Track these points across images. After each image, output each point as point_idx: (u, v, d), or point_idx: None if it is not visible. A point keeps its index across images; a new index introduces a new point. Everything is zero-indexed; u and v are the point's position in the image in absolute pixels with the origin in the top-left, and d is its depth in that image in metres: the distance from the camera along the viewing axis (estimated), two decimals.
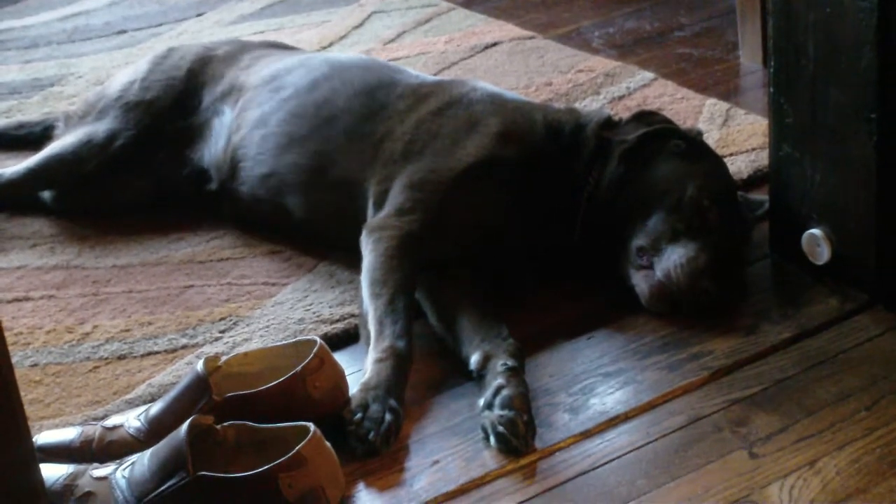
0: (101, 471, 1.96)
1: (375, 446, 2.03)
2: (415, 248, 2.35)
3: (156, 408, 2.08)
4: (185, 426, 1.90)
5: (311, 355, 2.06)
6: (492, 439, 2.04)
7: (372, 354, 2.16)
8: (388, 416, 2.05)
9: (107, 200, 2.90)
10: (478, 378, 2.17)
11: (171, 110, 2.86)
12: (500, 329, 2.24)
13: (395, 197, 2.42)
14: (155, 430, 2.04)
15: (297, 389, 2.04)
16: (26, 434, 1.76)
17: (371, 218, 2.44)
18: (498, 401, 2.07)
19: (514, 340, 2.21)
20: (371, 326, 2.21)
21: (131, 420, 2.08)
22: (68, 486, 1.95)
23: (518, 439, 2.03)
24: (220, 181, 2.75)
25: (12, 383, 1.71)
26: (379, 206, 2.45)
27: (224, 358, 2.12)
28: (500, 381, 2.11)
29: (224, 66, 2.89)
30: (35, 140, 3.12)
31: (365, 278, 2.31)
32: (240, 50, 2.94)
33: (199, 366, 2.06)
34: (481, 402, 2.11)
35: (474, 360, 2.20)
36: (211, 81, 2.86)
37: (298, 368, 2.04)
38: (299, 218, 2.62)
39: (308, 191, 2.59)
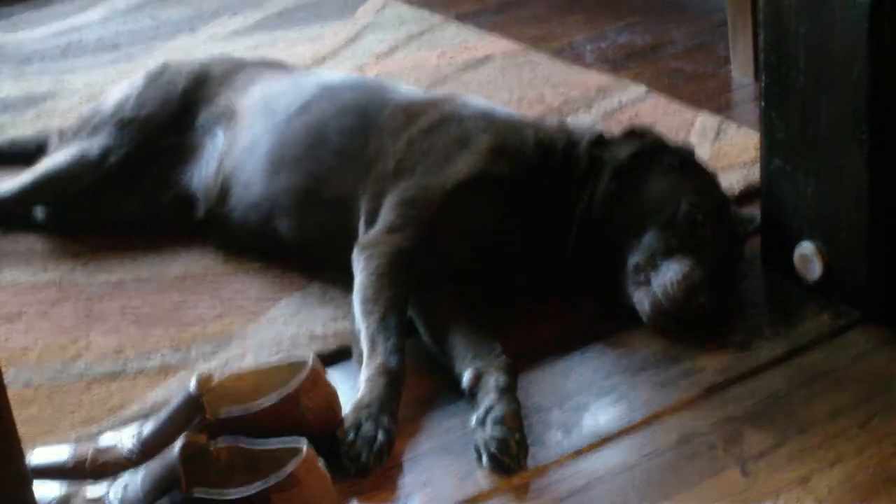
0: (94, 491, 1.96)
1: (368, 466, 2.03)
2: (406, 265, 2.35)
3: (149, 427, 2.08)
4: (178, 445, 1.90)
5: (305, 376, 2.05)
6: (484, 458, 2.04)
7: (364, 372, 2.16)
8: (380, 436, 2.05)
9: (99, 218, 2.89)
10: (470, 396, 2.18)
11: (165, 127, 2.84)
12: (492, 346, 2.24)
13: (387, 214, 2.43)
14: (148, 450, 2.03)
15: (290, 410, 2.04)
16: (19, 453, 1.76)
17: (362, 235, 2.44)
18: (490, 419, 2.07)
19: (507, 357, 2.21)
20: (363, 344, 2.21)
21: (124, 439, 2.08)
22: None
23: (510, 458, 2.03)
24: (208, 207, 2.74)
25: (5, 402, 1.71)
26: (370, 223, 2.45)
27: (217, 377, 2.12)
28: (491, 398, 2.11)
29: (219, 86, 2.87)
30: (28, 157, 3.11)
31: (357, 296, 2.31)
32: (235, 69, 2.93)
33: (192, 385, 2.06)
34: (473, 420, 2.11)
35: (466, 377, 2.20)
36: (206, 102, 2.85)
37: (291, 389, 2.04)
38: (292, 241, 2.62)
39: (301, 213, 2.59)
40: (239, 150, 2.70)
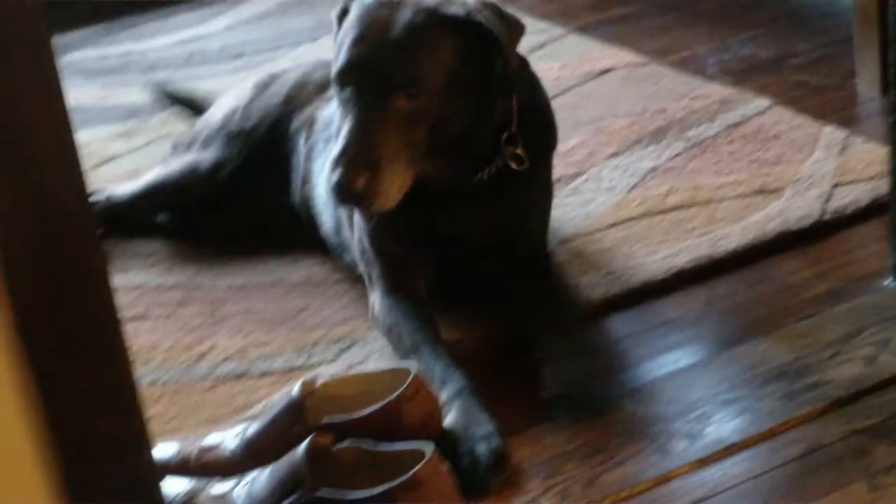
0: (219, 488, 1.98)
1: (487, 485, 2.02)
2: (401, 300, 2.37)
3: (252, 429, 2.09)
4: (303, 445, 1.92)
5: (407, 384, 2.04)
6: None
7: (442, 398, 2.15)
8: (483, 450, 2.03)
9: (218, 226, 2.93)
10: None
11: (268, 138, 2.84)
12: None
13: (363, 271, 2.47)
14: (250, 451, 2.05)
15: (391, 417, 2.02)
16: (148, 449, 1.79)
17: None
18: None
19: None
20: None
21: (228, 440, 2.10)
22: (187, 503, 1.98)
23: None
24: (304, 224, 2.77)
25: (137, 398, 1.73)
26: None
27: (320, 381, 2.13)
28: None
29: (314, 93, 2.85)
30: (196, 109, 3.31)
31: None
32: None
33: (295, 389, 2.07)
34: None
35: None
36: (299, 109, 2.84)
37: (393, 397, 2.03)
38: None
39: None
40: (312, 178, 2.72)
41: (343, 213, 2.54)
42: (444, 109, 2.23)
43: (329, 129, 2.68)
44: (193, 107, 3.40)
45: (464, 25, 2.25)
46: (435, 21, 2.24)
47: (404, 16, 2.23)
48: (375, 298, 2.40)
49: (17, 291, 1.19)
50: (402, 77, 2.19)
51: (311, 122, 2.78)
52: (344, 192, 2.16)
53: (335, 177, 2.15)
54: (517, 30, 2.34)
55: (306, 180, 2.74)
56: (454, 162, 2.32)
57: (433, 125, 2.22)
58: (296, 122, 2.82)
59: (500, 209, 2.40)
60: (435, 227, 2.38)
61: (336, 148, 2.18)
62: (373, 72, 2.20)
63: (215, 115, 2.98)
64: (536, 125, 2.45)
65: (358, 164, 2.15)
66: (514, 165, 2.36)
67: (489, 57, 2.28)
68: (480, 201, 2.39)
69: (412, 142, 2.20)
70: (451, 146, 2.27)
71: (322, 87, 2.84)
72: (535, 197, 2.48)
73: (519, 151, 2.36)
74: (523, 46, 3.84)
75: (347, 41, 2.24)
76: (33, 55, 1.13)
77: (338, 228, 2.61)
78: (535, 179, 2.45)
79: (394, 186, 2.18)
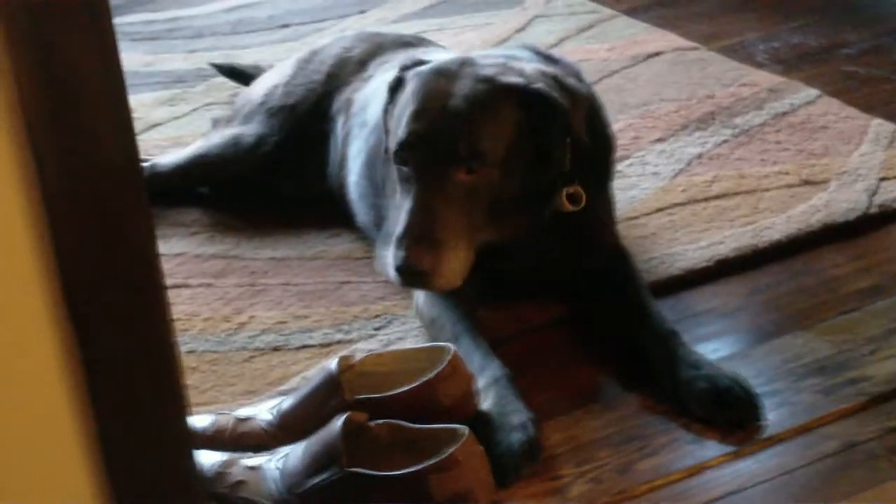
0: (253, 460, 1.99)
1: (519, 471, 2.00)
2: (444, 296, 2.31)
3: (287, 403, 2.10)
4: (339, 422, 1.92)
5: (445, 363, 2.04)
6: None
7: (479, 384, 2.13)
8: (519, 438, 2.00)
9: (259, 199, 2.93)
10: None
11: (310, 115, 2.86)
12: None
13: None
14: (284, 425, 2.06)
15: (427, 396, 2.03)
16: (185, 414, 1.79)
17: None
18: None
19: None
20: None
21: (263, 413, 2.10)
22: (221, 474, 1.98)
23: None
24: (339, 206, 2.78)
25: (176, 365, 1.74)
26: None
27: (358, 356, 2.13)
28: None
29: (353, 71, 2.85)
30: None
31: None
32: (372, 53, 2.88)
33: (333, 364, 2.07)
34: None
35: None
36: (340, 88, 2.85)
37: (430, 375, 2.03)
38: None
39: None
40: (348, 162, 2.73)
41: (388, 209, 2.53)
42: (505, 180, 2.19)
43: (364, 113, 2.69)
44: (241, 79, 3.40)
45: (524, 95, 2.20)
46: (496, 92, 2.20)
47: (464, 87, 2.19)
48: (420, 293, 2.38)
49: (64, 251, 1.19)
50: (464, 152, 2.15)
51: (348, 105, 2.78)
52: (409, 275, 2.15)
53: (399, 259, 2.13)
54: (581, 101, 2.28)
55: (342, 165, 2.75)
56: (512, 220, 2.27)
57: (494, 197, 2.19)
58: (336, 103, 2.82)
59: (562, 240, 2.36)
60: (494, 265, 2.31)
61: (399, 227, 2.16)
62: (434, 147, 2.17)
63: (256, 90, 2.98)
64: (595, 155, 2.36)
65: (421, 244, 2.13)
66: (568, 207, 2.29)
67: (547, 123, 2.22)
68: (540, 239, 2.34)
69: (474, 216, 2.18)
70: (509, 208, 2.24)
71: (361, 64, 2.85)
72: (598, 218, 2.42)
73: (573, 190, 2.29)
74: (571, 27, 3.86)
75: (407, 115, 2.20)
76: (91, 18, 1.13)
77: (378, 223, 2.60)
78: (596, 204, 2.37)
79: (458, 265, 2.17)
